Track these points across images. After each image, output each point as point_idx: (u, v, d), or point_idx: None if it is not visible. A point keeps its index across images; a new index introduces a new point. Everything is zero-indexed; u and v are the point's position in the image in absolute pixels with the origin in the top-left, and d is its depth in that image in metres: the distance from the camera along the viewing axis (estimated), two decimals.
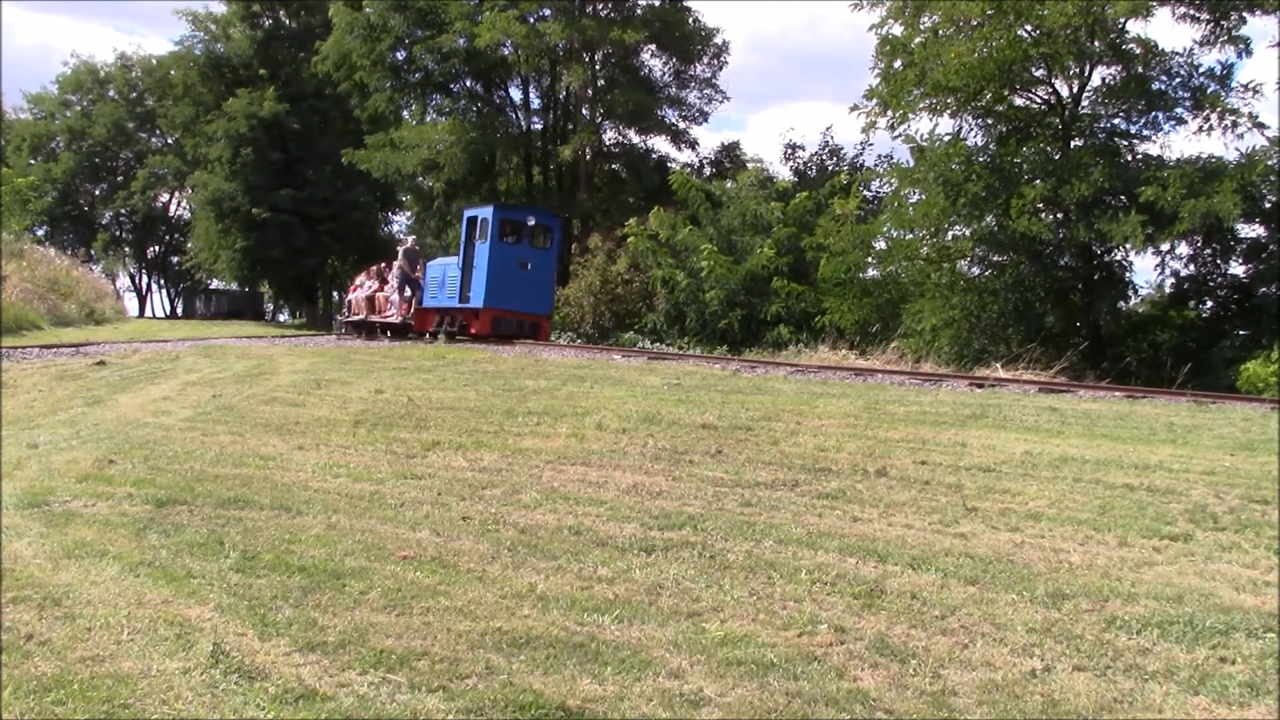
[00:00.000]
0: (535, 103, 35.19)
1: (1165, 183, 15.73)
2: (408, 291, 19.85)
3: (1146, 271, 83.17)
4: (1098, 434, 7.38)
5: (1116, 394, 10.33)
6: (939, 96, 18.41)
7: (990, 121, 19.68)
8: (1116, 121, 18.84)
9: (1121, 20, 17.40)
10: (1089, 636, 4.01)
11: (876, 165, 25.39)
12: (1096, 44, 17.74)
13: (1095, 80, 18.81)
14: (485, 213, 17.97)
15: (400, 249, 20.22)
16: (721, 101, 34.76)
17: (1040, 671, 3.73)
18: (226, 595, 4.43)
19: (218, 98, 40.42)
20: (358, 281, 23.09)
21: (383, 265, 22.98)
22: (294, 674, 3.63)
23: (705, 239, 22.98)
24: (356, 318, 22.08)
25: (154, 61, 50.37)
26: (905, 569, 4.80)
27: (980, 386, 10.92)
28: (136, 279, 64.49)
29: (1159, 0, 17.24)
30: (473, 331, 17.79)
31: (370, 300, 21.66)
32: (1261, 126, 17.16)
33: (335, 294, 46.57)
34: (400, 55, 33.24)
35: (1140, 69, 18.00)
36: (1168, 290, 19.64)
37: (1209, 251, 18.47)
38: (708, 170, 33.87)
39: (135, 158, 57.38)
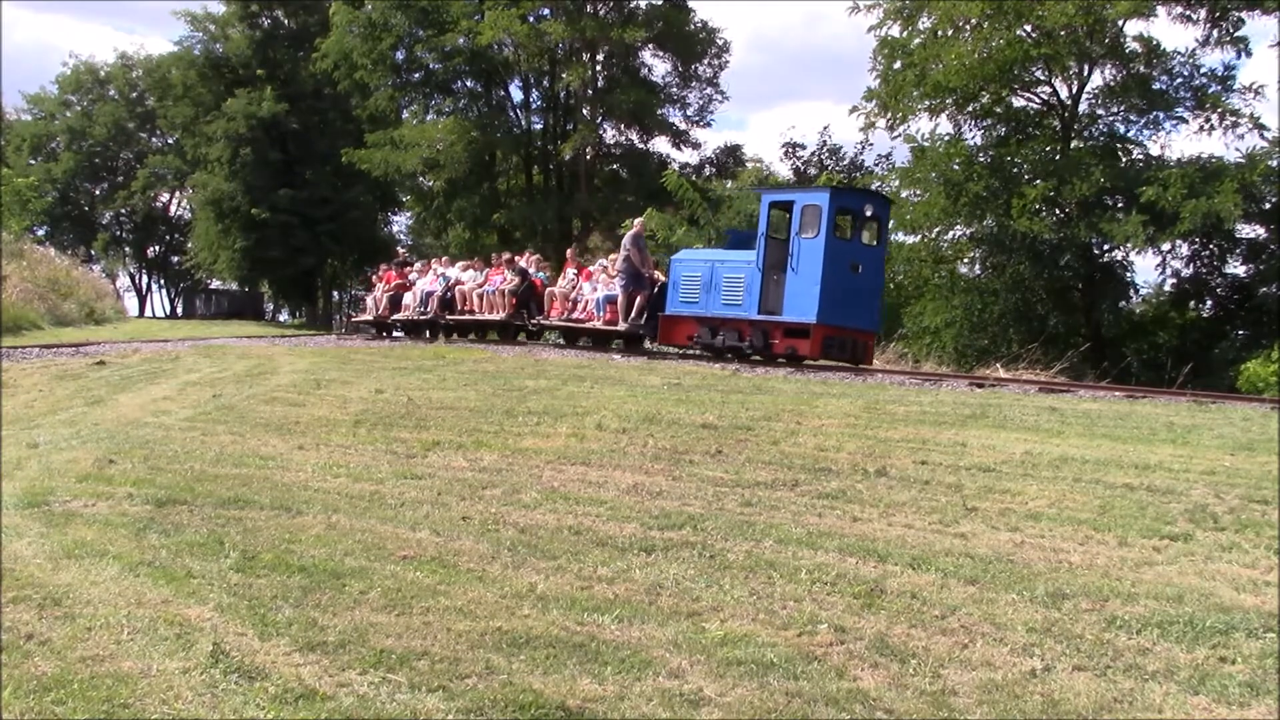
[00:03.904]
0: (536, 102, 35.22)
1: (1166, 183, 15.75)
2: (631, 289, 14.85)
3: (1147, 272, 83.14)
4: (1098, 434, 7.38)
5: (1116, 394, 10.32)
6: (938, 97, 18.44)
7: (990, 122, 19.70)
8: (1116, 122, 18.89)
9: (1121, 20, 17.42)
10: (1089, 636, 4.01)
11: (875, 166, 25.38)
12: (1096, 45, 17.76)
13: (1095, 80, 18.85)
14: (818, 198, 13.12)
15: (629, 234, 15.32)
16: (722, 100, 34.80)
17: (1040, 671, 3.73)
18: (226, 595, 4.43)
19: (217, 98, 40.42)
20: (439, 269, 18.99)
21: (510, 256, 18.78)
22: (294, 674, 3.63)
23: (703, 240, 22.96)
24: (477, 316, 17.51)
25: (154, 61, 50.35)
26: (905, 569, 4.80)
27: (980, 386, 10.91)
28: (136, 279, 64.40)
29: (1159, 0, 17.29)
30: (778, 351, 13.44)
31: (521, 296, 16.76)
32: (1262, 128, 17.21)
33: (335, 294, 46.47)
34: (401, 54, 33.25)
35: (1141, 69, 18.02)
36: (1168, 290, 19.67)
37: (1209, 252, 18.51)
38: (709, 170, 33.87)
39: (135, 158, 57.27)
